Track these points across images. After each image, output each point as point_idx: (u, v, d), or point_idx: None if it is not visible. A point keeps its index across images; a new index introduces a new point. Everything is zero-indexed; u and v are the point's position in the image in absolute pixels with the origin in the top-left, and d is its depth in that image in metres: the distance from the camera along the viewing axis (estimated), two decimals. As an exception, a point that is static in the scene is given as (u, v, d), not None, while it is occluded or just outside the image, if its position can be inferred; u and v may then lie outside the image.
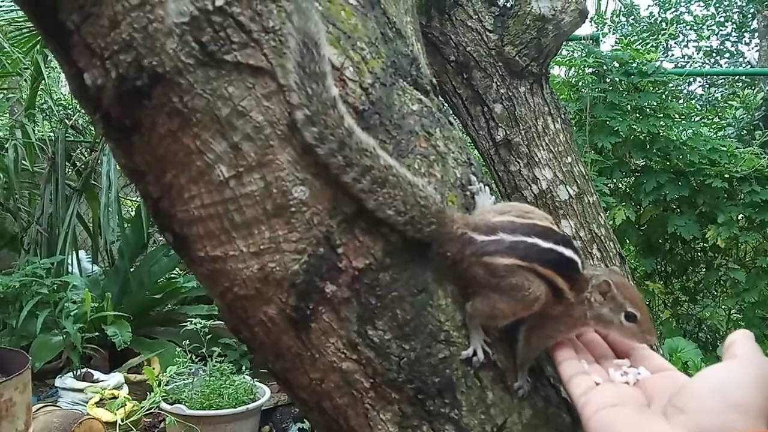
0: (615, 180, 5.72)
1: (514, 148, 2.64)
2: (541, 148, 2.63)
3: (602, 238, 2.65)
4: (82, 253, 7.38)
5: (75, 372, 5.72)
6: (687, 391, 0.97)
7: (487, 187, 1.25)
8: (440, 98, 1.33)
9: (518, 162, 2.64)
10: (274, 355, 1.19)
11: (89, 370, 5.81)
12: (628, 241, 5.77)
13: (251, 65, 1.03)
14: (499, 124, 2.64)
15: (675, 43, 20.35)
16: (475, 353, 1.15)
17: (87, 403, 5.37)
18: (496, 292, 1.14)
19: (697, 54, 20.72)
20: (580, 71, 5.81)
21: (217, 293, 1.17)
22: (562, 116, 2.69)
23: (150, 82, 1.01)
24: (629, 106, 5.52)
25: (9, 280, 6.14)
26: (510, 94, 2.62)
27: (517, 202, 1.32)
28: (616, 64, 5.66)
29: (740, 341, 0.99)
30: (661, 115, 5.63)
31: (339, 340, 1.13)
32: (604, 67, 5.64)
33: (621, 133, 5.34)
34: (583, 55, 5.79)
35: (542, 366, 1.27)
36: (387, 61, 1.18)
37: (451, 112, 2.66)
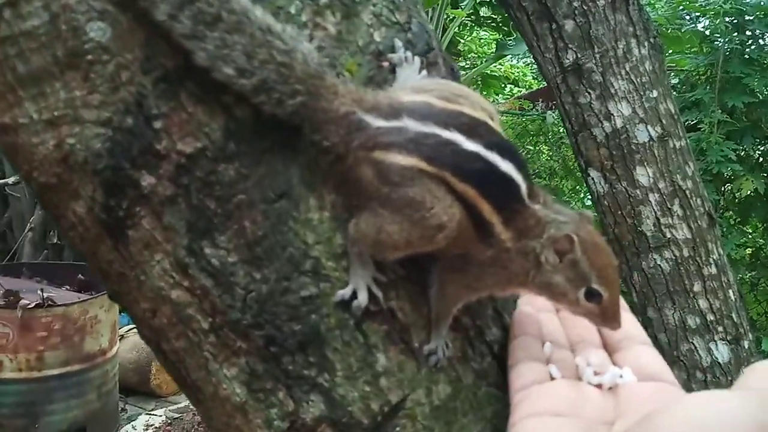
0: (745, 146, 5.02)
1: (585, 75, 2.16)
2: (619, 77, 2.14)
3: (687, 192, 2.14)
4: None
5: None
6: (657, 420, 0.60)
7: (416, 59, 0.85)
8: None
9: (589, 93, 2.16)
10: (101, 273, 0.87)
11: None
12: (754, 217, 5.08)
13: None
14: (569, 45, 2.16)
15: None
16: (354, 295, 0.78)
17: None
18: (386, 208, 0.75)
19: None
20: (715, 20, 5.09)
21: (25, 179, 0.85)
22: (651, 40, 2.17)
23: None
24: (770, 62, 4.83)
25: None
26: (585, 8, 2.13)
27: (473, 91, 0.86)
28: (760, 14, 4.92)
29: (764, 371, 0.62)
30: (808, 76, 4.87)
31: (165, 258, 0.79)
32: (745, 17, 4.93)
33: (757, 92, 4.67)
34: (720, 0, 5.07)
35: (482, 326, 0.87)
36: None
37: None
